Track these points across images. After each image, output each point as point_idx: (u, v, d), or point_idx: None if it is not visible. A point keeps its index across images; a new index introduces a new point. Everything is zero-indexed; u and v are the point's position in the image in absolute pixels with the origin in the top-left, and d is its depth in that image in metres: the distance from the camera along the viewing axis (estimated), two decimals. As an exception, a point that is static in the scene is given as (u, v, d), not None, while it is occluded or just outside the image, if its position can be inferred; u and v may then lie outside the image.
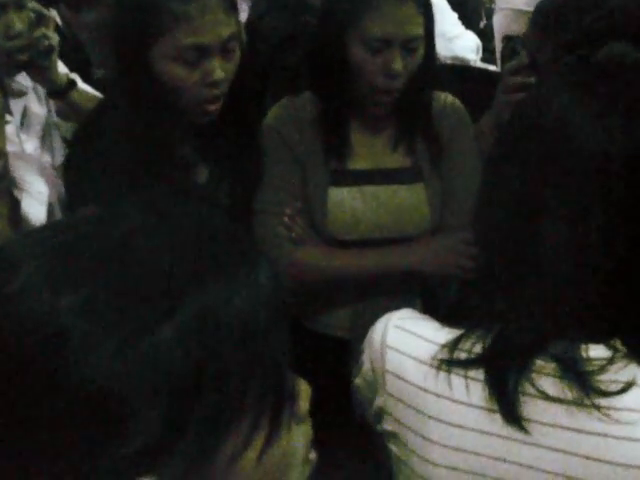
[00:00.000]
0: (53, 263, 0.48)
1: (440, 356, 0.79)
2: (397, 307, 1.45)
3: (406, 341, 0.83)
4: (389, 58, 1.33)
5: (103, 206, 0.56)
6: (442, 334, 0.82)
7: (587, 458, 0.71)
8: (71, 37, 2.19)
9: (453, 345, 0.79)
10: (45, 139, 1.77)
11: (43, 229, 0.55)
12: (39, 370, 0.45)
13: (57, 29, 2.18)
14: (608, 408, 0.71)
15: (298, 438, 0.56)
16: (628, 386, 0.71)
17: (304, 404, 0.58)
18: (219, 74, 1.24)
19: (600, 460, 0.71)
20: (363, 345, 0.89)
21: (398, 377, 0.82)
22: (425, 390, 0.79)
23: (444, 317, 0.86)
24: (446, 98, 1.52)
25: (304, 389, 0.59)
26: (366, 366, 0.87)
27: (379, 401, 0.84)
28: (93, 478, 0.45)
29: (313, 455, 0.60)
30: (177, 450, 0.46)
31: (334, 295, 1.51)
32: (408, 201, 1.46)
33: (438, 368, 0.78)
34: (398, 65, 1.33)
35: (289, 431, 0.54)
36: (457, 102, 1.52)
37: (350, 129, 1.47)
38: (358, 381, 0.90)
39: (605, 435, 0.71)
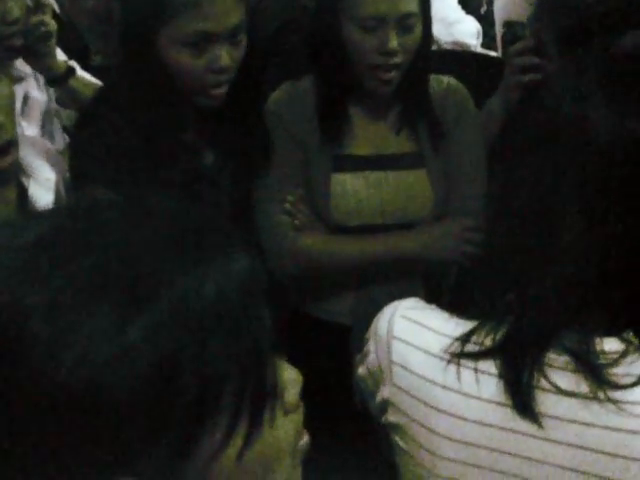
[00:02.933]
0: (23, 257, 0.47)
1: (451, 349, 0.77)
2: (400, 293, 1.46)
3: (414, 332, 0.82)
4: (384, 36, 1.31)
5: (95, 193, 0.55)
6: (451, 325, 0.80)
7: (599, 452, 0.70)
8: (69, 24, 2.18)
9: (465, 338, 0.77)
10: (45, 125, 1.77)
11: (20, 220, 0.54)
12: (3, 372, 0.44)
13: (55, 16, 2.17)
14: (622, 402, 0.70)
15: (286, 429, 0.54)
16: None
17: (294, 394, 0.56)
18: (225, 61, 1.24)
19: (613, 454, 0.70)
20: (368, 334, 0.88)
21: (405, 368, 0.80)
22: (433, 382, 0.78)
23: (447, 304, 0.85)
24: (449, 81, 1.50)
25: (295, 378, 0.57)
26: (371, 356, 0.85)
27: (384, 392, 0.83)
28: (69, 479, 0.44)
29: (305, 441, 0.58)
30: (154, 449, 0.45)
31: (336, 281, 1.51)
32: (411, 187, 1.45)
33: (448, 361, 0.77)
34: (393, 43, 1.31)
35: (274, 423, 0.53)
36: (460, 85, 1.51)
37: (351, 114, 1.46)
38: (361, 371, 0.88)
39: (618, 429, 0.70)
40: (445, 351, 0.78)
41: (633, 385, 0.70)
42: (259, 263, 0.53)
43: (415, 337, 0.81)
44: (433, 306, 0.87)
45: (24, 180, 1.32)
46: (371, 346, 0.86)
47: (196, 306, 0.47)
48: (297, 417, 0.57)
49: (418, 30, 1.35)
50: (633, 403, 0.70)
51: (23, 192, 1.30)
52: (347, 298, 1.51)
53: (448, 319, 0.82)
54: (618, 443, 0.70)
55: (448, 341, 0.78)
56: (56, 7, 2.26)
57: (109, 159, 1.26)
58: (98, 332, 0.44)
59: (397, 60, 1.34)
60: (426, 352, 0.79)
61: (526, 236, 0.77)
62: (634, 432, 0.69)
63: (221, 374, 0.47)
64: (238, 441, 0.49)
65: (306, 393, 1.61)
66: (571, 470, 0.72)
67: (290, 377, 0.57)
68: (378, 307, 0.88)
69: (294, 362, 1.65)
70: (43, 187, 1.32)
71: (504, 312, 0.77)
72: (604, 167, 0.72)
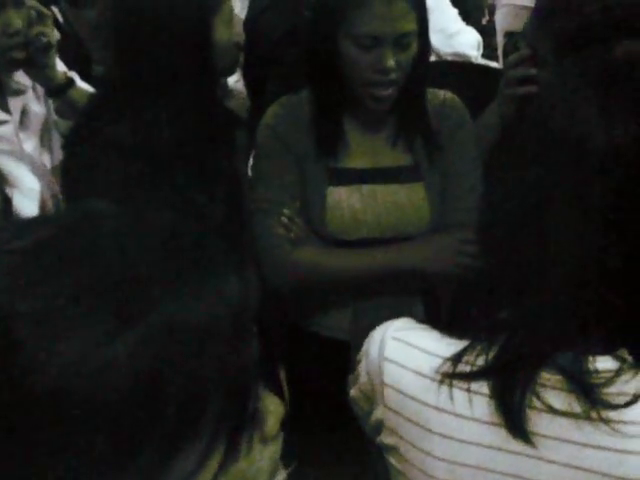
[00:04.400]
0: (16, 263, 0.47)
1: (442, 369, 0.77)
2: (398, 308, 1.46)
3: (405, 353, 0.81)
4: (380, 55, 1.31)
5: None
6: (442, 345, 0.79)
7: (593, 472, 0.70)
8: (72, 34, 2.19)
9: (456, 358, 0.77)
10: (44, 138, 1.77)
11: (15, 225, 0.54)
12: None
13: (57, 26, 2.17)
14: (615, 421, 0.69)
15: (262, 459, 0.54)
16: (635, 399, 0.70)
17: (274, 424, 0.56)
18: (390, 63, 1.30)
19: (606, 474, 0.69)
20: (359, 356, 0.87)
21: (397, 390, 0.80)
22: (426, 404, 0.77)
23: (446, 321, 0.84)
24: (445, 95, 1.50)
25: (275, 408, 0.57)
26: (363, 378, 0.85)
27: (378, 413, 0.82)
28: None
29: (282, 476, 0.58)
30: (126, 467, 0.45)
31: (333, 296, 1.50)
32: (407, 200, 1.44)
33: (440, 381, 0.76)
34: (390, 62, 1.31)
35: (251, 452, 0.53)
36: (456, 99, 1.50)
37: (347, 128, 1.46)
38: (354, 392, 0.88)
39: (611, 449, 0.69)
40: (436, 372, 0.77)
41: (627, 405, 0.69)
42: (252, 287, 0.52)
43: (406, 358, 0.80)
44: (425, 326, 0.86)
45: (8, 191, 1.31)
46: (363, 368, 0.85)
47: (185, 326, 0.47)
48: (275, 448, 0.57)
49: (415, 46, 1.35)
50: (627, 423, 0.69)
51: (8, 202, 1.30)
52: (345, 313, 1.50)
53: (440, 339, 0.81)
54: (612, 463, 0.69)
55: (439, 361, 0.78)
56: (59, 17, 2.27)
57: (105, 173, 1.26)
58: (84, 343, 0.44)
59: (393, 77, 1.34)
60: (417, 373, 0.79)
61: (518, 251, 0.76)
62: (628, 452, 0.69)
63: (203, 397, 0.47)
64: (213, 466, 0.49)
65: (305, 409, 1.61)
66: None
67: (272, 407, 0.57)
68: (377, 323, 0.88)
69: (293, 377, 1.65)
70: (27, 197, 1.32)
71: (498, 330, 0.76)
72: (599, 179, 0.71)
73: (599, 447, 0.69)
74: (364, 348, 0.86)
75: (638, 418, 0.69)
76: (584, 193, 0.71)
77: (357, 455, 1.28)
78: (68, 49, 1.99)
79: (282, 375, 1.58)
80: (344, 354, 1.41)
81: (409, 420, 0.78)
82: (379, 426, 0.82)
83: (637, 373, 0.71)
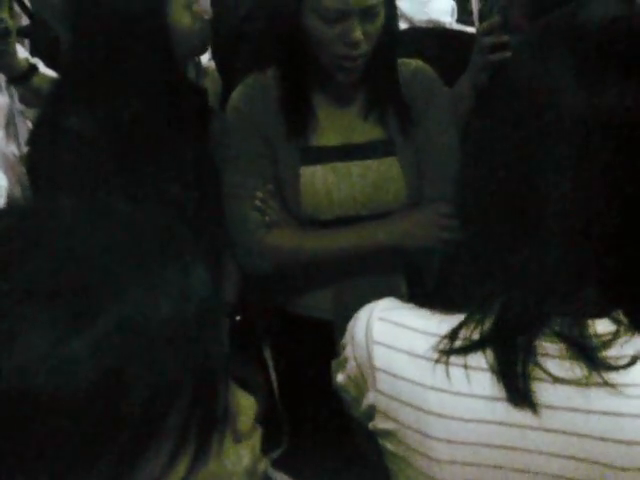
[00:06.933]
0: None
1: (439, 347, 0.74)
2: (381, 285, 1.45)
3: (394, 334, 0.78)
4: (347, 28, 1.28)
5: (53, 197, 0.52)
6: (433, 323, 0.77)
7: (598, 438, 0.69)
8: (41, 20, 2.15)
9: (452, 335, 0.74)
10: (9, 128, 1.74)
11: None
12: None
13: (27, 12, 2.13)
14: (618, 384, 0.68)
15: (237, 457, 0.52)
16: (634, 360, 0.68)
17: (247, 420, 0.54)
18: (358, 35, 1.27)
19: (611, 439, 0.68)
20: (343, 341, 0.84)
21: (389, 374, 0.77)
22: (421, 385, 0.74)
23: (432, 294, 0.82)
24: (416, 64, 1.47)
25: (248, 404, 0.54)
26: (350, 363, 0.82)
27: (369, 399, 0.79)
28: None
29: (262, 466, 0.55)
30: (90, 470, 0.43)
31: (313, 277, 1.48)
32: (382, 175, 1.41)
33: (436, 361, 0.74)
34: (357, 34, 1.28)
35: (222, 452, 0.50)
36: (428, 68, 1.47)
37: (316, 104, 1.43)
38: (341, 378, 0.85)
39: (614, 413, 0.68)
40: (432, 350, 0.74)
41: (627, 366, 0.68)
42: (224, 277, 0.50)
43: (397, 339, 0.77)
44: (410, 305, 0.83)
45: None
46: (349, 352, 0.82)
47: (147, 322, 0.44)
48: (252, 443, 0.54)
49: (382, 16, 1.31)
50: (628, 385, 0.68)
51: None
52: (327, 293, 1.48)
53: (429, 317, 0.78)
54: (616, 427, 0.68)
55: (433, 340, 0.75)
56: (27, 2, 2.22)
57: (70, 165, 1.23)
58: (39, 341, 0.42)
59: (362, 50, 1.31)
60: (410, 354, 0.76)
61: (504, 218, 0.73)
62: (632, 415, 0.68)
63: (168, 395, 0.45)
64: (182, 468, 0.46)
65: (292, 390, 1.60)
66: (570, 458, 0.70)
67: (244, 403, 0.54)
68: (359, 301, 0.85)
69: (279, 360, 1.64)
70: None
71: (490, 301, 0.74)
72: (585, 138, 0.69)
73: (602, 412, 0.68)
74: (348, 333, 0.83)
75: (637, 380, 0.68)
76: (571, 154, 0.69)
77: (346, 437, 1.27)
78: (38, 35, 1.96)
79: (267, 354, 1.57)
80: (328, 334, 1.40)
81: (404, 403, 0.76)
82: (371, 411, 0.80)
83: (634, 334, 0.70)
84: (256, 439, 0.55)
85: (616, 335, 0.70)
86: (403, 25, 2.08)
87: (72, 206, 0.50)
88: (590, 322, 0.70)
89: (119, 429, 0.43)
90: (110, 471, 0.43)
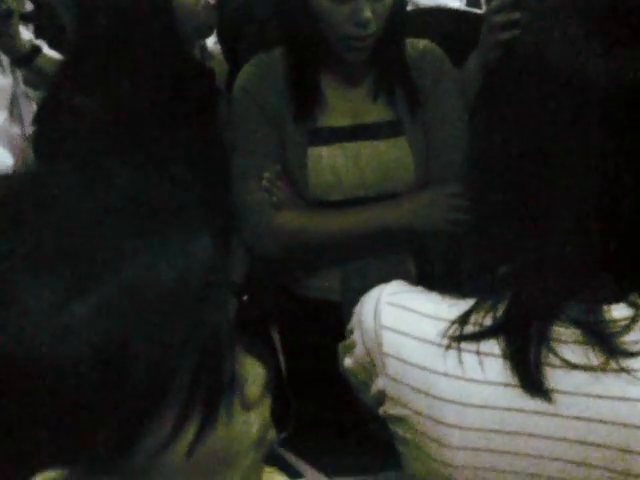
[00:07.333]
0: None
1: (449, 333, 0.73)
2: (389, 267, 1.44)
3: (404, 319, 0.76)
4: (356, 7, 1.27)
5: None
6: (444, 307, 0.75)
7: (612, 423, 0.68)
8: (46, 4, 2.13)
9: (463, 320, 0.73)
10: (13, 110, 1.73)
11: None
12: None
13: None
14: (635, 370, 0.67)
15: (246, 425, 0.51)
16: None
17: (256, 389, 0.52)
18: (367, 14, 1.26)
19: (626, 424, 0.67)
20: (351, 325, 0.83)
21: (399, 359, 0.75)
22: (433, 371, 0.73)
23: (441, 280, 0.80)
24: (425, 44, 1.45)
25: (258, 372, 0.53)
26: (359, 348, 0.80)
27: (379, 384, 0.78)
28: None
29: (271, 435, 0.54)
30: (94, 437, 0.42)
31: (321, 258, 1.47)
32: (391, 156, 1.40)
33: (447, 346, 0.73)
34: (367, 13, 1.27)
35: (231, 420, 0.49)
36: (437, 48, 1.46)
37: (324, 84, 1.41)
38: (349, 362, 0.83)
39: (631, 399, 0.67)
40: (443, 336, 0.73)
41: None
42: (223, 245, 0.49)
43: (407, 325, 0.76)
44: (419, 288, 0.81)
45: None
46: (357, 337, 0.80)
47: (150, 288, 0.44)
48: (261, 411, 0.53)
49: None
50: None
51: None
52: (335, 274, 1.47)
53: (440, 301, 0.76)
54: (631, 412, 0.67)
55: (444, 325, 0.73)
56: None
57: (76, 146, 1.22)
58: (39, 306, 0.41)
59: (370, 29, 1.29)
60: (421, 339, 0.74)
61: (516, 202, 0.72)
62: None
63: (174, 362, 0.44)
64: (189, 436, 0.46)
65: (300, 372, 1.60)
66: (584, 444, 0.69)
67: (252, 371, 0.53)
68: (367, 281, 0.84)
69: (287, 340, 1.64)
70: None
71: (502, 285, 0.72)
72: (604, 115, 0.67)
73: (618, 398, 0.68)
74: (356, 317, 0.82)
75: None
76: (586, 129, 0.67)
77: (354, 418, 1.27)
78: (42, 19, 1.94)
79: (275, 335, 1.56)
80: (336, 316, 1.39)
81: (416, 389, 0.74)
82: (381, 397, 0.78)
83: None
84: (265, 408, 0.54)
85: (635, 319, 0.68)
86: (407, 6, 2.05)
87: (74, 170, 0.50)
88: (606, 307, 0.69)
89: (123, 394, 0.42)
90: (115, 439, 0.43)
